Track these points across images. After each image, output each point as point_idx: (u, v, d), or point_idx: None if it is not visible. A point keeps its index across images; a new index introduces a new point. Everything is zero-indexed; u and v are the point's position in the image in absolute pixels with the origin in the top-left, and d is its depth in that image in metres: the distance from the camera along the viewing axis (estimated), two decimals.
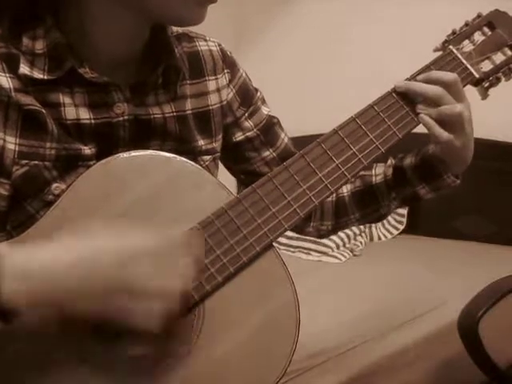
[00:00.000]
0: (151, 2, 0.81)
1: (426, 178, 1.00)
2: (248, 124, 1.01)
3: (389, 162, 1.05)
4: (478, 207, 2.61)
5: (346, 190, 1.08)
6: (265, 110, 1.04)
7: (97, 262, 0.70)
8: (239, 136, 1.01)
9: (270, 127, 1.04)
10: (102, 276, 0.70)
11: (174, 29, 0.93)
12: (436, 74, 0.93)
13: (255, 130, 1.02)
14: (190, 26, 0.88)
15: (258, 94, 1.04)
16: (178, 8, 0.81)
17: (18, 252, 0.69)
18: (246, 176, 1.04)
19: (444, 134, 0.92)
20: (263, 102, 1.04)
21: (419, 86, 0.92)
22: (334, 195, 1.08)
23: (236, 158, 1.04)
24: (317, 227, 1.10)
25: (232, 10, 2.73)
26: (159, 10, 0.82)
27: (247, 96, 1.01)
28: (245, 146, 1.02)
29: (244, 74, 1.02)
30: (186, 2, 0.81)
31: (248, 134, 1.02)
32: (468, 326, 1.38)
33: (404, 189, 1.03)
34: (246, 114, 1.01)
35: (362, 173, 1.05)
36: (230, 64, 0.99)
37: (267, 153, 1.04)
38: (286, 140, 1.06)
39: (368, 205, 1.06)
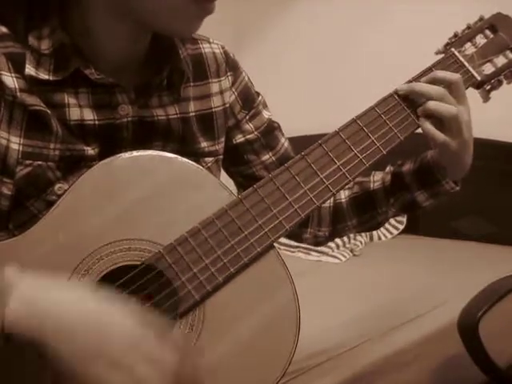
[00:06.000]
0: (147, 16, 0.80)
1: (424, 184, 1.00)
2: (248, 126, 1.01)
3: (387, 168, 1.05)
4: (478, 207, 2.60)
5: (343, 196, 1.07)
6: (266, 114, 1.04)
7: (81, 326, 0.69)
8: (239, 138, 1.01)
9: (270, 131, 1.04)
10: (83, 339, 0.69)
11: None
12: (440, 73, 0.93)
13: (255, 132, 1.02)
14: (185, 37, 0.88)
15: (260, 97, 1.04)
16: (175, 21, 0.80)
17: (28, 280, 0.70)
18: (245, 179, 1.04)
19: (440, 136, 0.92)
20: (264, 105, 1.04)
21: (421, 87, 0.92)
22: (332, 201, 1.07)
23: (235, 160, 1.03)
24: (314, 233, 1.10)
25: (232, 10, 2.73)
26: (155, 23, 0.82)
27: (248, 99, 1.01)
28: (244, 148, 1.02)
29: (246, 78, 1.02)
30: (185, 16, 0.80)
31: (248, 136, 1.01)
32: (468, 326, 1.37)
33: (402, 195, 1.02)
34: (247, 117, 1.01)
35: (361, 179, 1.05)
36: (232, 67, 0.99)
37: (266, 156, 1.04)
38: (285, 145, 1.06)
39: (365, 211, 1.06)
